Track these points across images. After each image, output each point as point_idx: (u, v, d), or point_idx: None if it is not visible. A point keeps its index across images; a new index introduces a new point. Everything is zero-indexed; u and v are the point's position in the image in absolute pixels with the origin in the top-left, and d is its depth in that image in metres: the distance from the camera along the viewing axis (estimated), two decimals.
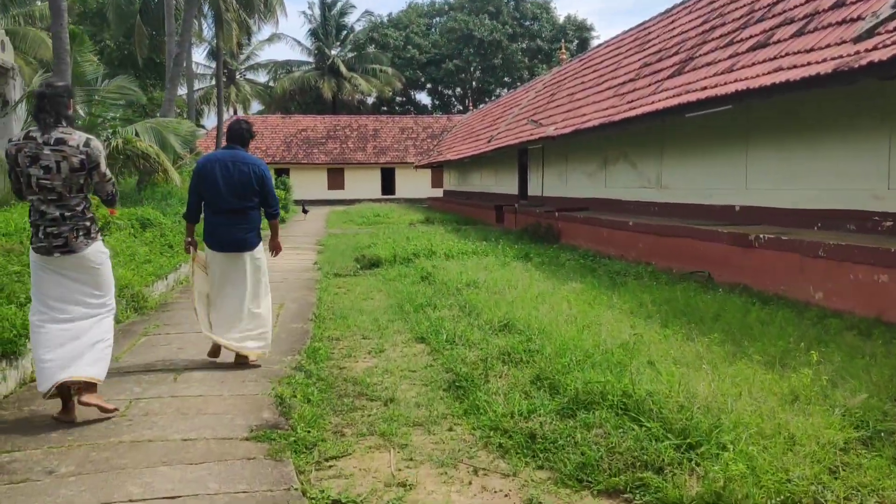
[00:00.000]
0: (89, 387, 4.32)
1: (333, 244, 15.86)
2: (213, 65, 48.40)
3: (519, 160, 22.14)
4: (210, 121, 45.17)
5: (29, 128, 4.37)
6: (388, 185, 44.07)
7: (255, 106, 50.23)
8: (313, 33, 51.84)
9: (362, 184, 43.34)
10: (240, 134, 5.67)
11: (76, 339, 4.28)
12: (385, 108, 58.11)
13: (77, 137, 4.25)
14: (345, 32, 53.05)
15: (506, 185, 23.48)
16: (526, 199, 21.08)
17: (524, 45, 55.27)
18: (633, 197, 13.56)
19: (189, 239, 5.75)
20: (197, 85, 40.69)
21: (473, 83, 57.93)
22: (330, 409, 4.53)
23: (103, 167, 4.39)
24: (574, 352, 5.00)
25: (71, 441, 4.02)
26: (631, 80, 13.83)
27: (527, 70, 54.65)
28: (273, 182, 5.83)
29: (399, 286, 9.29)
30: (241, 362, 5.62)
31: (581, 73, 19.21)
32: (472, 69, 56.27)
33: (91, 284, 4.38)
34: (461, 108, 57.89)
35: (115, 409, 4.43)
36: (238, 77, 48.29)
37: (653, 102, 11.16)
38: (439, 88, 59.92)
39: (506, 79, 56.33)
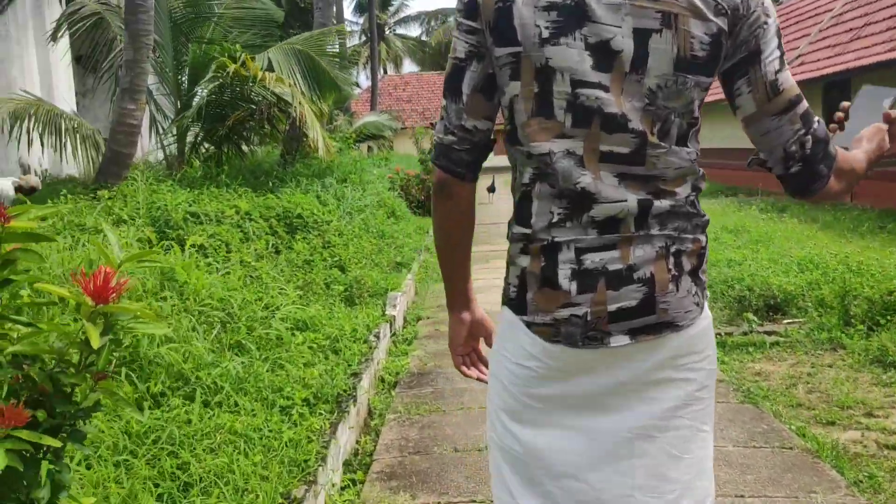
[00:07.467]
0: None
1: None
2: (360, 20, 43.57)
3: None
4: (361, 81, 39.85)
5: None
6: None
7: (408, 65, 44.59)
8: None
9: None
10: None
11: None
12: None
13: None
14: None
15: None
16: None
17: None
18: None
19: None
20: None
21: None
22: None
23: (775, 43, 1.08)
24: None
25: None
26: None
27: None
28: None
29: None
30: None
31: None
32: None
33: (683, 436, 1.08)
34: None
35: None
36: (388, 32, 42.75)
37: None
38: None
39: None
